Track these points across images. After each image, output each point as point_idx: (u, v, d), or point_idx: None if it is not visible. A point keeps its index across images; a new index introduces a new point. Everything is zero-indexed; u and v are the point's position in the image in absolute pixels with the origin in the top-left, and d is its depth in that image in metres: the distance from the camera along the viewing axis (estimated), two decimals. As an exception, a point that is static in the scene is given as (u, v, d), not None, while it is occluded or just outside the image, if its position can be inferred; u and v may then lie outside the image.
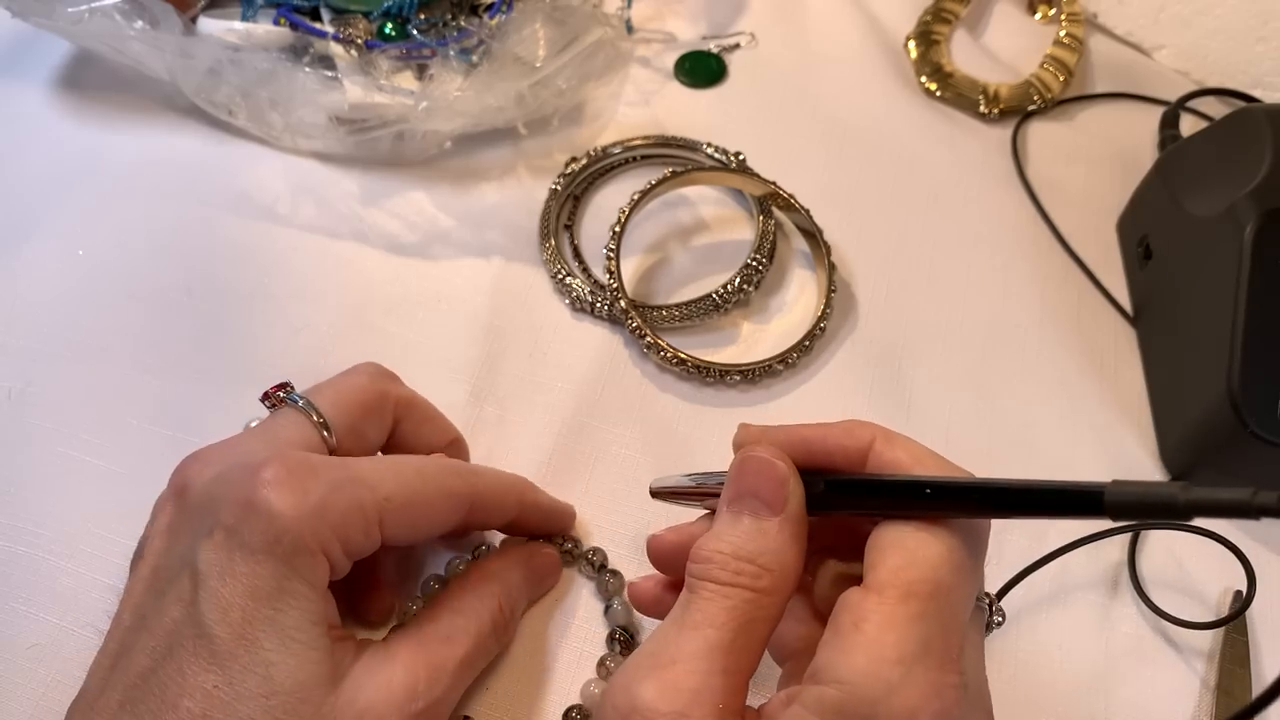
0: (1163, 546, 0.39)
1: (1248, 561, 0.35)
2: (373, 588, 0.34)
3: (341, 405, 0.31)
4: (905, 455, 0.25)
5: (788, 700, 0.23)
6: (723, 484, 0.27)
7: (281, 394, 0.32)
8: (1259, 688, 0.36)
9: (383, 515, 0.28)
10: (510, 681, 0.34)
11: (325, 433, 0.31)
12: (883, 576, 0.23)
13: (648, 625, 0.35)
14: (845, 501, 0.26)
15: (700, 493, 0.30)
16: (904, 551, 0.23)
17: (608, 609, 0.35)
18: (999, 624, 0.29)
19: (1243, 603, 0.35)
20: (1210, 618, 0.37)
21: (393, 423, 0.33)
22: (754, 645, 0.24)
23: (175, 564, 0.27)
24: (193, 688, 0.25)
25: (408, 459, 0.32)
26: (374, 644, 0.28)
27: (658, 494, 0.32)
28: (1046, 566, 0.38)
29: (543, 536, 0.36)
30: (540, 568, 0.34)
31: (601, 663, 0.34)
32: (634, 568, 0.36)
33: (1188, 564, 0.39)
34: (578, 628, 0.35)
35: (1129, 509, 0.19)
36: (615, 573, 0.36)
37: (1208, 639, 0.37)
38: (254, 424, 0.33)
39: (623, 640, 0.34)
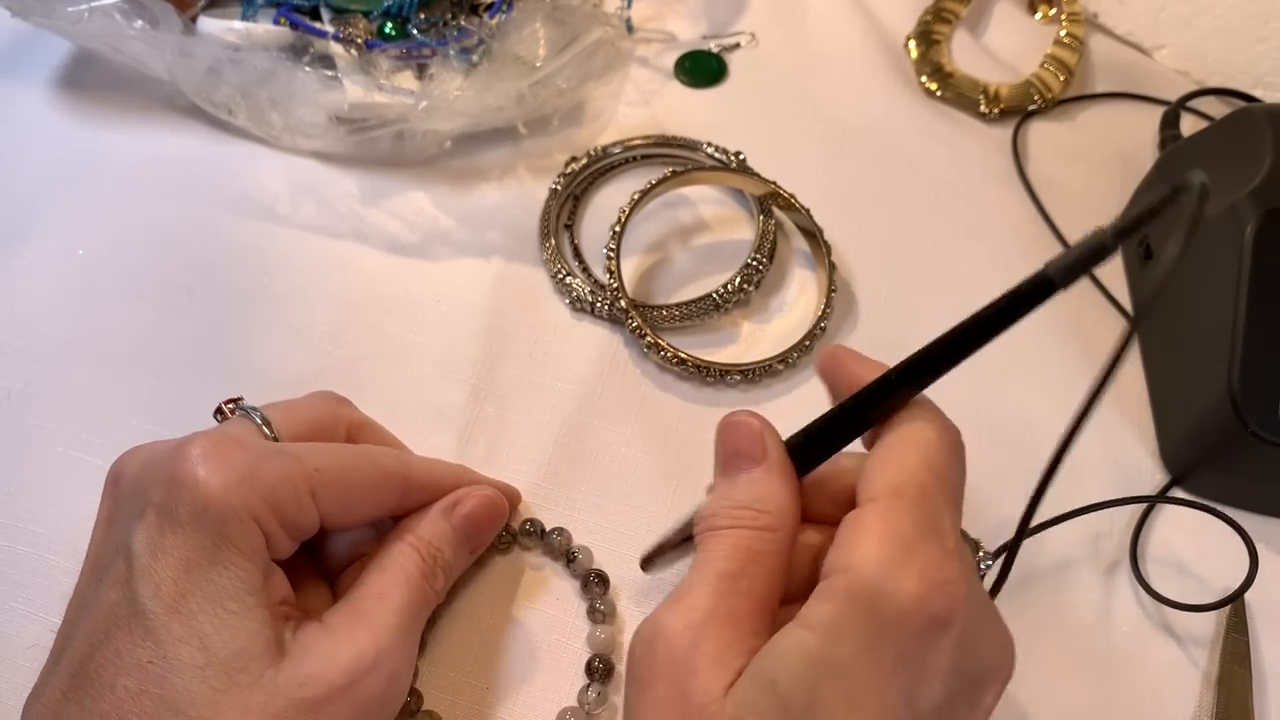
0: (1164, 543, 0.39)
1: (1249, 538, 0.35)
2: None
3: (293, 420, 0.31)
4: (866, 368, 0.28)
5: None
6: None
7: (232, 405, 0.32)
8: (1259, 687, 0.36)
9: (315, 487, 0.28)
10: (487, 705, 0.34)
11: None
12: (871, 491, 0.25)
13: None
14: (826, 439, 0.28)
15: (684, 536, 0.31)
16: (884, 465, 0.25)
17: (591, 630, 0.35)
18: (986, 566, 0.29)
19: (1245, 581, 0.35)
20: (1210, 616, 0.37)
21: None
22: (766, 576, 0.26)
23: (111, 551, 0.27)
24: (129, 665, 0.25)
25: (342, 444, 0.32)
26: (310, 621, 0.28)
27: (648, 561, 0.33)
28: (1046, 565, 0.38)
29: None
30: (472, 513, 0.33)
31: (584, 691, 0.33)
32: (631, 567, 0.36)
33: (1188, 564, 0.39)
34: (564, 646, 0.35)
35: (1070, 269, 0.22)
36: (601, 576, 0.36)
37: (1208, 640, 0.37)
38: None
39: (600, 671, 0.34)
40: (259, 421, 0.30)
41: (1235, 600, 0.35)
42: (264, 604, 0.26)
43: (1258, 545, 0.39)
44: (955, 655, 0.24)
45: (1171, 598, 0.36)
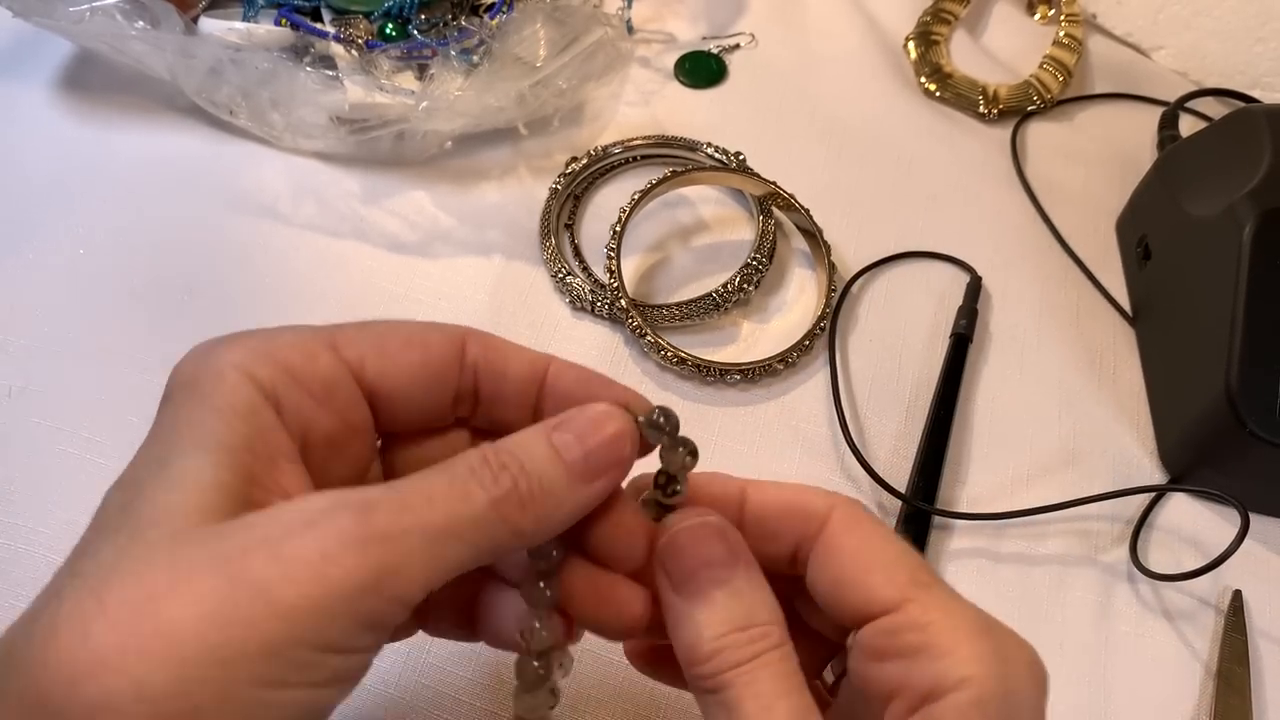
0: (1163, 542, 0.39)
1: (1244, 508, 0.36)
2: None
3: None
4: (863, 544, 0.23)
5: None
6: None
7: None
8: (1258, 686, 0.36)
9: (334, 340, 0.22)
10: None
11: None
12: (899, 582, 0.22)
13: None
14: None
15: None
16: (885, 563, 0.22)
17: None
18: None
19: (1234, 542, 0.35)
20: (1209, 616, 0.37)
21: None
22: (804, 694, 0.21)
23: None
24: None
25: None
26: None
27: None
28: (1045, 564, 0.38)
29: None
30: (583, 433, 0.22)
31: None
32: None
33: (1186, 563, 0.39)
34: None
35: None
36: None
37: (1208, 640, 0.37)
38: None
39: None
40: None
41: (1222, 563, 0.35)
42: (218, 465, 0.20)
43: (1258, 547, 0.39)
44: None
45: (1167, 617, 0.37)
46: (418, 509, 0.19)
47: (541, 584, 0.23)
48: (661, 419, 0.23)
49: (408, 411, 0.23)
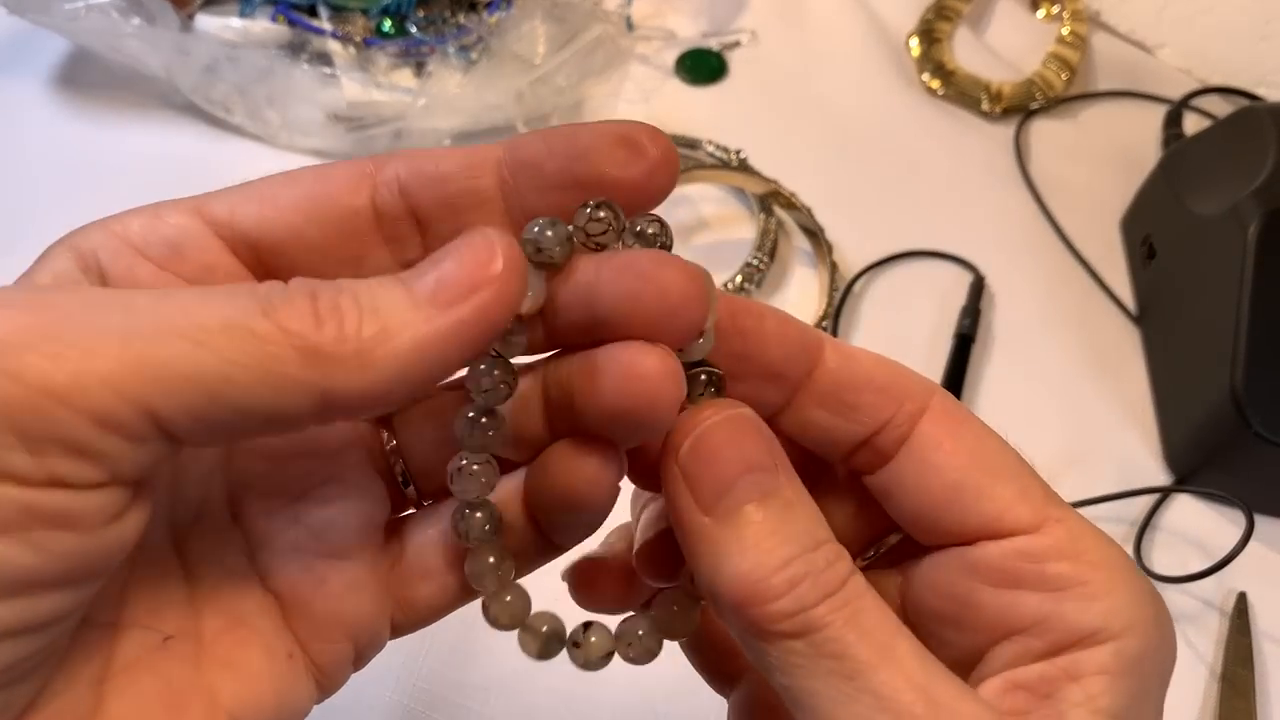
0: (1167, 544, 0.39)
1: (1249, 510, 0.35)
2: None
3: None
4: (979, 446, 0.19)
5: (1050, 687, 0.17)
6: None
7: None
8: (1262, 688, 0.36)
9: (200, 198, 0.18)
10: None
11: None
12: (1035, 498, 0.19)
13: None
14: None
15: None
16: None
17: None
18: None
19: (1238, 544, 0.35)
20: (1214, 618, 0.37)
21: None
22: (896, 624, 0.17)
23: None
24: None
25: None
26: None
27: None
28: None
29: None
30: (440, 254, 0.16)
31: None
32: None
33: (1191, 565, 0.38)
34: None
35: None
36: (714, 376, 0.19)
37: (1213, 642, 0.37)
38: None
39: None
40: None
41: (1227, 564, 0.35)
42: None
43: (1261, 547, 0.39)
44: None
45: (1173, 595, 0.36)
46: (135, 297, 0.15)
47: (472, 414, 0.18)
48: (602, 212, 0.18)
49: (316, 263, 0.18)
